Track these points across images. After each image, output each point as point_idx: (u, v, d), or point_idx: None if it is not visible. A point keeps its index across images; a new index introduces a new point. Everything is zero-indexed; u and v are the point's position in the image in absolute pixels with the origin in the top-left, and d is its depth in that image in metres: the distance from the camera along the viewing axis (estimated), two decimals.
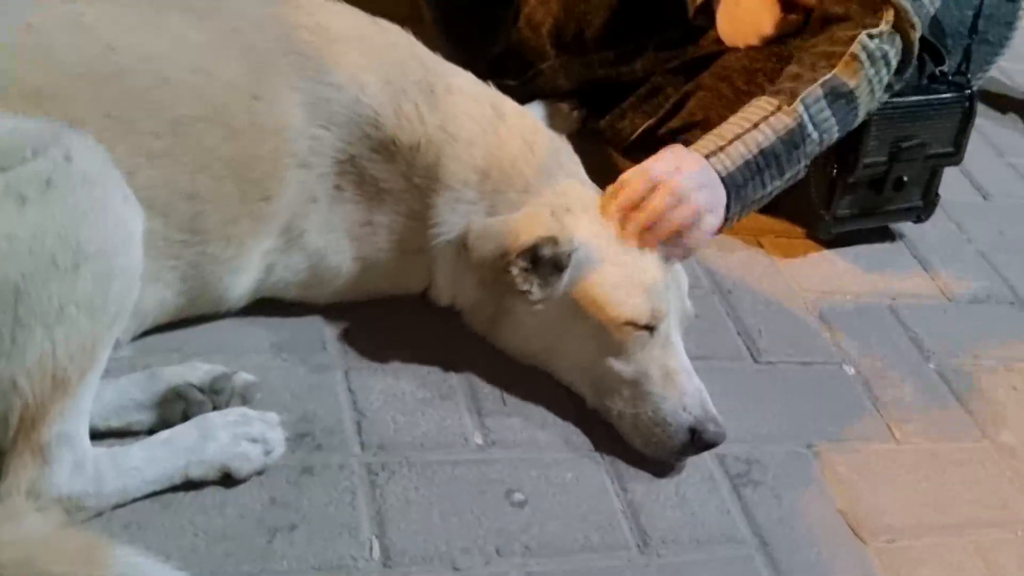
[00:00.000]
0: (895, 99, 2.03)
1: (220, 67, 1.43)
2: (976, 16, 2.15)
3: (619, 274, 1.55)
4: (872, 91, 1.87)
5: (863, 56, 1.83)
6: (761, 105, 1.80)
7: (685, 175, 1.63)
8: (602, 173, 2.05)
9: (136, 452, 1.31)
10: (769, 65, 1.96)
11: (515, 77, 2.18)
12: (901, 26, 1.85)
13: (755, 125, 1.77)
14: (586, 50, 2.21)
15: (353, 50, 1.53)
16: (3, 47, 1.32)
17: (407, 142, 1.54)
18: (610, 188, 1.64)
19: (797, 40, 1.95)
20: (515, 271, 1.53)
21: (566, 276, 1.54)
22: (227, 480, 1.36)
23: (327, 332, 1.62)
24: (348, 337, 1.62)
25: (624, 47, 2.18)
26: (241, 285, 1.52)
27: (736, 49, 2.04)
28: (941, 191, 2.24)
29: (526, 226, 1.52)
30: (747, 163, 1.73)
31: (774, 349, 1.87)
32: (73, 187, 1.20)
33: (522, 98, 2.03)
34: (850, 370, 1.89)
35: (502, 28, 2.26)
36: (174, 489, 1.32)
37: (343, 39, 1.54)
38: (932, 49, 2.11)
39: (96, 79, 1.34)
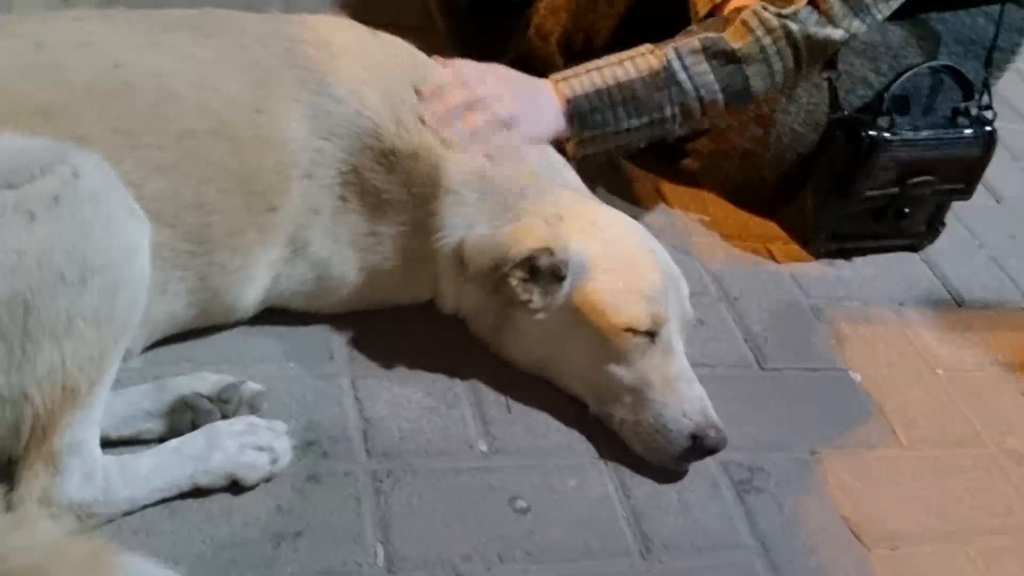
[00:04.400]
0: (908, 133, 2.04)
1: (224, 82, 1.46)
2: (991, 46, 2.15)
3: (618, 281, 1.56)
4: (768, 62, 1.84)
5: (753, 22, 1.83)
6: (637, 48, 1.83)
7: (491, 81, 1.68)
8: (608, 180, 2.08)
9: (145, 460, 1.34)
10: None
11: None
12: (817, 13, 1.84)
13: (620, 61, 1.80)
14: (594, 58, 2.22)
15: (354, 63, 1.56)
16: (13, 66, 1.35)
17: (406, 152, 1.56)
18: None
19: None
20: (514, 282, 1.55)
21: (566, 285, 1.56)
22: (234, 488, 1.38)
23: (334, 341, 1.64)
24: (355, 346, 1.64)
25: None
26: (249, 295, 1.55)
27: None
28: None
29: (520, 237, 1.54)
30: (598, 91, 1.76)
31: (780, 356, 1.88)
32: (80, 203, 1.23)
33: None
34: (856, 377, 1.89)
35: (512, 37, 2.27)
36: (182, 496, 1.35)
37: (344, 53, 1.56)
38: (963, 81, 2.11)
39: (103, 95, 1.37)
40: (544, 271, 1.55)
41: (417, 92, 1.60)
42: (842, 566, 1.54)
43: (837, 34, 1.87)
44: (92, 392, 1.25)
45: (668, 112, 1.82)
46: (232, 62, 1.48)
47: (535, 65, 2.23)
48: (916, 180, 2.10)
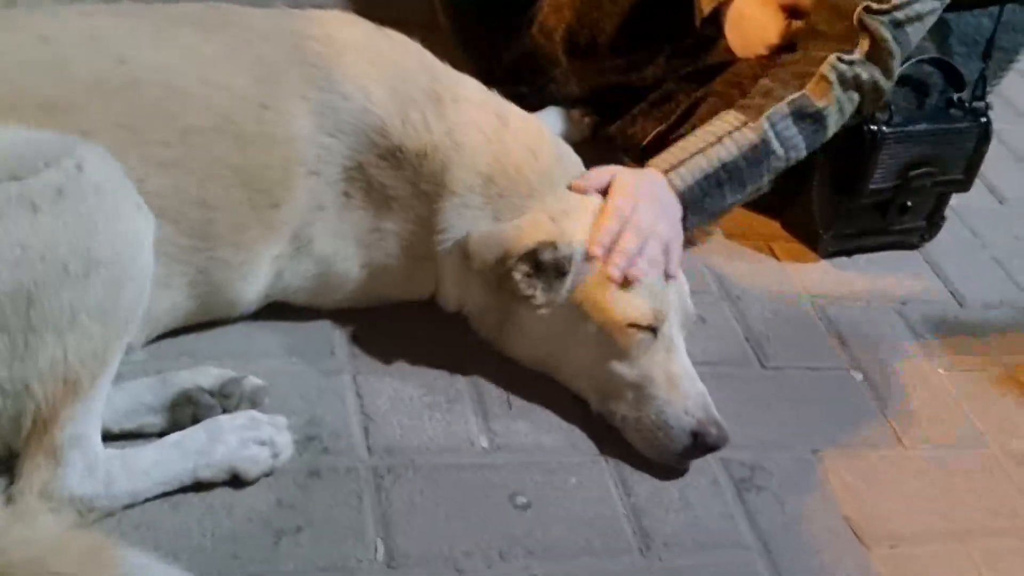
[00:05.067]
0: (908, 126, 2.05)
1: (229, 78, 1.46)
2: (991, 40, 2.15)
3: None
4: (842, 112, 1.90)
5: (833, 77, 1.85)
6: (728, 120, 1.84)
7: (643, 209, 1.65)
8: None
9: (147, 454, 1.35)
10: None
11: (528, 84, 2.20)
12: (878, 55, 1.87)
13: (719, 139, 1.81)
14: (598, 57, 2.22)
15: (361, 60, 1.56)
16: (18, 61, 1.35)
17: (414, 150, 1.56)
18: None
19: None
20: (517, 276, 1.55)
21: (569, 280, 1.56)
22: (235, 482, 1.38)
23: (336, 337, 1.65)
24: (357, 342, 1.65)
25: (636, 54, 2.20)
26: (251, 290, 1.55)
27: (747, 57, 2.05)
28: (957, 196, 2.25)
29: (525, 232, 1.55)
30: (707, 177, 1.77)
31: (782, 355, 1.88)
32: (84, 196, 1.23)
33: (535, 104, 2.05)
34: (858, 376, 1.89)
35: (516, 35, 2.27)
36: (184, 490, 1.35)
37: (351, 49, 1.56)
38: (952, 73, 2.11)
39: (108, 90, 1.37)
40: (548, 265, 1.55)
41: (591, 253, 1.57)
42: (843, 565, 1.54)
43: (889, 83, 1.91)
44: (94, 385, 1.26)
45: (765, 180, 1.86)
46: (238, 58, 1.49)
47: (539, 63, 2.24)
48: (916, 172, 2.11)
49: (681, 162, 1.77)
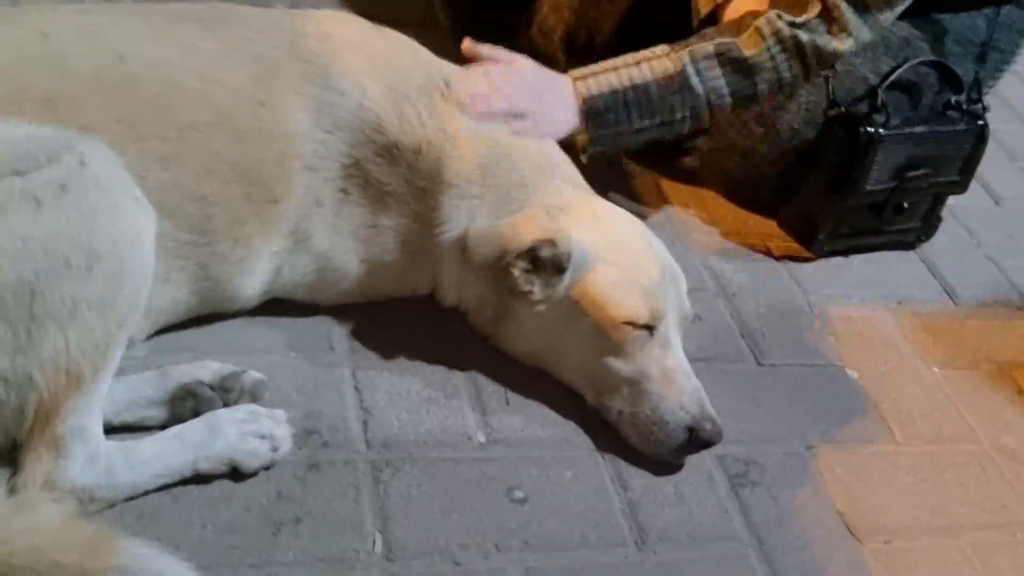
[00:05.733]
0: (905, 127, 2.06)
1: (228, 74, 1.48)
2: (985, 42, 2.16)
3: (617, 274, 1.58)
4: (777, 70, 1.88)
5: (767, 31, 1.86)
6: (654, 49, 1.87)
7: (517, 84, 1.73)
8: (609, 176, 2.09)
9: (147, 446, 1.36)
10: None
11: None
12: (828, 21, 1.87)
13: (637, 62, 1.84)
14: (596, 57, 2.23)
15: (357, 57, 1.58)
16: (19, 56, 1.37)
17: (409, 145, 1.58)
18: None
19: None
20: (516, 272, 1.57)
21: (567, 276, 1.57)
22: (235, 474, 1.40)
23: (335, 332, 1.66)
24: (355, 337, 1.66)
25: None
26: (250, 285, 1.57)
27: None
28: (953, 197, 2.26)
29: (523, 228, 1.56)
30: (614, 92, 1.81)
31: (777, 352, 1.89)
32: (86, 191, 1.25)
33: None
34: (852, 373, 1.90)
35: (515, 35, 2.29)
36: (184, 482, 1.37)
37: (348, 46, 1.58)
38: (949, 75, 2.13)
39: (108, 86, 1.39)
40: (546, 262, 1.57)
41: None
42: (836, 560, 1.55)
43: (845, 46, 1.90)
44: (96, 378, 1.27)
45: (679, 115, 1.87)
46: (236, 55, 1.50)
47: (537, 62, 2.26)
48: (912, 174, 2.12)
49: (594, 73, 1.82)
